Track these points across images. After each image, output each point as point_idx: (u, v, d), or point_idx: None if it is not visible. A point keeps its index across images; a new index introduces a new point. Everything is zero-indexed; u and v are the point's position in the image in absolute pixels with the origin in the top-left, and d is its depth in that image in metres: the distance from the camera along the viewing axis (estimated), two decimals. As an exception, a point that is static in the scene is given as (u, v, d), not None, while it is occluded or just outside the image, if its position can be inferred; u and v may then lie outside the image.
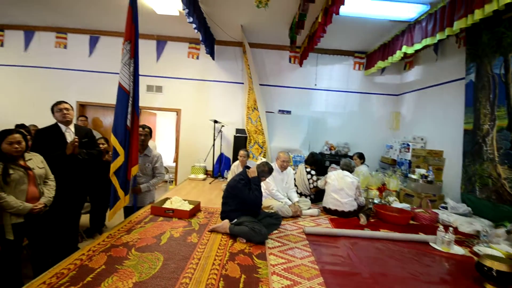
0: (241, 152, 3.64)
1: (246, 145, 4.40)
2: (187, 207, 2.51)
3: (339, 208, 2.80)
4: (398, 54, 3.70)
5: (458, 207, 2.95)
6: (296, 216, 2.74)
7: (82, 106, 4.93)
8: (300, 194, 3.30)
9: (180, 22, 3.95)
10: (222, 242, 1.94)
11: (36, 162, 1.94)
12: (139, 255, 1.64)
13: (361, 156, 3.95)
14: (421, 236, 2.32)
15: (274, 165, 2.91)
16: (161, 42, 4.80)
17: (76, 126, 2.48)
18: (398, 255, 1.96)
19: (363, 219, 2.62)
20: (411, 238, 2.28)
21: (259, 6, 2.86)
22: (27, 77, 4.82)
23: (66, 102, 2.33)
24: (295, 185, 3.28)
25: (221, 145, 4.74)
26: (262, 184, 2.51)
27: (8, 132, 1.79)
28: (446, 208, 3.07)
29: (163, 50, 4.84)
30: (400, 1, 2.99)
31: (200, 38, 3.78)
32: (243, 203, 2.17)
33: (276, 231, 2.26)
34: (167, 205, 2.53)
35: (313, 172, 3.32)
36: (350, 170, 2.99)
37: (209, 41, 4.25)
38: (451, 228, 2.19)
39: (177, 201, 2.57)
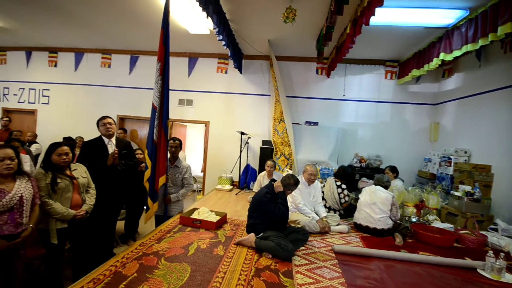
0: (268, 162, 3.63)
1: (272, 156, 4.39)
2: (214, 218, 2.55)
3: (371, 225, 2.63)
4: (435, 62, 3.47)
5: (510, 229, 2.61)
6: (324, 232, 2.63)
7: (122, 119, 5.35)
8: (329, 209, 3.18)
9: (210, 39, 4.18)
10: (248, 256, 1.92)
11: (80, 172, 2.13)
12: (168, 265, 1.69)
13: (393, 170, 3.69)
14: (467, 262, 2.08)
15: (301, 178, 2.85)
16: (192, 58, 5.09)
17: (117, 138, 2.69)
18: (441, 282, 1.76)
19: (399, 239, 2.43)
20: (456, 263, 2.05)
21: (286, 22, 2.91)
22: (76, 93, 5.39)
23: (109, 117, 2.55)
24: (323, 199, 3.18)
25: (247, 156, 4.79)
26: (288, 197, 2.47)
27: (57, 144, 2.00)
28: (496, 230, 2.72)
29: (194, 66, 5.11)
30: (436, 7, 2.84)
31: (229, 54, 3.94)
32: (269, 217, 2.15)
33: (303, 248, 2.19)
34: (195, 215, 2.60)
35: (344, 186, 3.19)
36: (385, 185, 2.81)
37: (237, 56, 4.40)
38: (502, 254, 1.93)
39: (204, 212, 2.62)
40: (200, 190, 5.72)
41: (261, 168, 4.44)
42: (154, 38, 4.36)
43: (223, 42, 3.42)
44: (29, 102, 5.55)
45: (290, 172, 4.11)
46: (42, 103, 5.51)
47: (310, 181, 2.82)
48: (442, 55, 3.29)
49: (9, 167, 1.68)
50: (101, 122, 2.53)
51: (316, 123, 4.77)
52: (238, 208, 3.36)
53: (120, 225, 3.43)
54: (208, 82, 5.11)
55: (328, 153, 4.46)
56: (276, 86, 4.41)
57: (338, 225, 2.80)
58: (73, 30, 4.39)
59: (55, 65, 5.44)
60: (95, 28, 4.20)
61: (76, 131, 5.10)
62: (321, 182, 3.86)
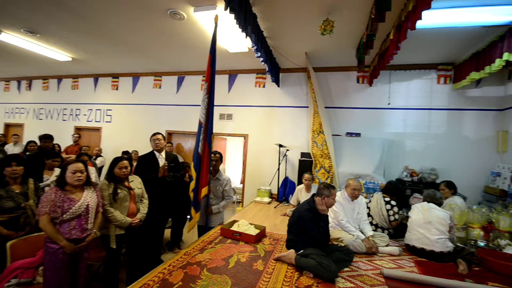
0: (306, 175, 3.55)
1: (311, 169, 4.29)
2: (253, 231, 2.56)
3: (428, 247, 2.34)
4: (498, 63, 3.06)
5: None
6: (371, 253, 2.43)
7: (170, 134, 5.83)
8: (376, 227, 2.94)
9: (248, 56, 4.37)
10: (288, 273, 1.87)
11: (136, 183, 2.38)
12: (210, 276, 1.75)
13: (450, 185, 3.23)
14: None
15: (343, 193, 2.72)
16: (232, 75, 5.36)
17: (166, 152, 2.95)
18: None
19: (463, 267, 2.11)
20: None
21: (324, 34, 2.90)
22: (133, 112, 6.08)
23: (159, 133, 2.83)
24: (369, 216, 2.96)
25: (286, 169, 4.76)
26: (330, 213, 2.36)
27: (119, 159, 2.28)
28: None
29: (233, 82, 5.37)
30: (495, 4, 2.54)
31: (267, 69, 4.05)
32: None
33: (347, 269, 2.05)
34: (234, 227, 2.65)
35: (393, 202, 2.93)
36: (437, 202, 2.51)
37: (274, 70, 4.50)
38: None
39: (244, 225, 2.66)
40: (239, 202, 5.82)
41: (300, 181, 4.35)
42: (198, 59, 4.78)
43: (261, 59, 3.54)
44: (95, 121, 6.44)
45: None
46: (106, 122, 6.34)
47: (354, 196, 2.66)
48: (506, 55, 2.89)
49: (80, 179, 1.96)
50: (152, 138, 2.81)
51: (358, 134, 4.54)
52: (277, 222, 3.33)
53: (167, 233, 3.67)
54: (246, 97, 5.30)
55: (372, 166, 4.17)
56: (314, 98, 4.36)
57: (387, 246, 2.56)
58: (131, 58, 5.03)
59: (117, 88, 6.26)
60: (149, 54, 4.74)
61: (132, 145, 5.72)
62: (366, 197, 3.62)
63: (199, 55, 4.57)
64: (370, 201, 3.21)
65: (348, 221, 2.61)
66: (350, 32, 3.39)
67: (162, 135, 2.92)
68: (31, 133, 6.91)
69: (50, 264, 1.86)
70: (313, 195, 2.26)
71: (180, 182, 3.35)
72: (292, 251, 2.08)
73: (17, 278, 2.01)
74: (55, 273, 1.86)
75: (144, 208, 2.38)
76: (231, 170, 7.69)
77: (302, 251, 2.01)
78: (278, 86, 5.01)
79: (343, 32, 3.31)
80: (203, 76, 5.56)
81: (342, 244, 2.40)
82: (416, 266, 2.20)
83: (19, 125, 7.30)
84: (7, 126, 7.50)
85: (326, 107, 4.56)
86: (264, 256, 2.15)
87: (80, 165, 1.96)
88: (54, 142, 4.48)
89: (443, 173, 4.03)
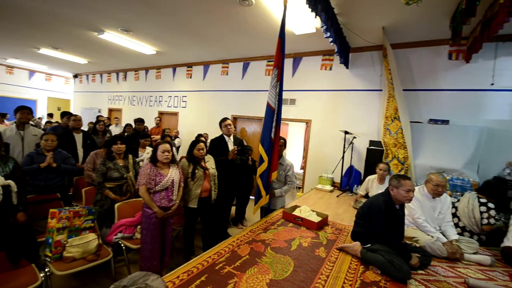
0: (381, 165, 3.27)
1: (382, 159, 3.91)
2: (315, 218, 2.56)
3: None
4: None
5: None
6: (453, 259, 2.13)
7: (235, 119, 6.18)
8: (462, 230, 2.53)
9: (315, 38, 4.15)
10: (352, 265, 1.82)
11: (211, 164, 2.65)
12: (274, 254, 1.86)
13: None
14: None
15: (422, 189, 2.41)
16: (296, 58, 5.21)
17: (234, 136, 3.16)
18: None
19: None
20: None
21: (410, 3, 2.49)
22: (204, 98, 6.65)
23: (228, 119, 3.03)
24: (455, 217, 2.56)
25: (351, 157, 4.47)
26: (405, 211, 2.14)
27: (197, 141, 2.57)
28: None
29: (298, 66, 5.22)
30: None
31: (335, 50, 3.78)
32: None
33: (422, 272, 1.86)
34: (296, 212, 2.70)
35: (491, 205, 2.45)
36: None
37: (344, 51, 4.15)
38: None
39: (305, 211, 2.68)
40: (299, 188, 5.83)
41: (368, 171, 4.04)
42: (262, 44, 4.81)
43: (330, 39, 3.31)
44: (174, 106, 7.32)
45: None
46: (182, 107, 7.13)
47: (436, 194, 2.33)
48: None
49: (167, 158, 2.30)
50: (223, 123, 3.03)
51: (445, 121, 3.85)
52: (340, 211, 3.22)
53: (232, 210, 4.00)
54: (311, 81, 5.10)
55: (463, 160, 3.52)
56: (390, 79, 3.86)
57: (475, 253, 2.19)
58: (203, 48, 5.42)
59: (191, 77, 6.90)
60: (218, 43, 5.02)
61: (203, 128, 6.32)
62: (450, 195, 3.13)
63: (264, 40, 4.59)
64: (458, 200, 2.77)
65: (426, 220, 2.32)
66: (443, -2, 2.81)
67: (230, 120, 3.13)
68: (127, 117, 8.38)
69: (146, 225, 2.30)
70: (387, 189, 2.08)
71: (244, 165, 3.56)
72: (357, 243, 2.00)
73: (122, 233, 2.55)
74: (149, 232, 2.28)
75: (216, 190, 2.66)
76: (291, 156, 7.71)
77: (369, 245, 1.91)
78: (347, 67, 4.62)
79: (433, -1, 2.78)
80: (267, 61, 5.59)
81: (417, 245, 2.17)
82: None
83: (119, 110, 8.92)
84: (110, 110, 9.26)
85: (404, 90, 4.00)
86: (327, 244, 2.14)
87: (167, 146, 2.29)
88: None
89: None
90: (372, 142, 4.21)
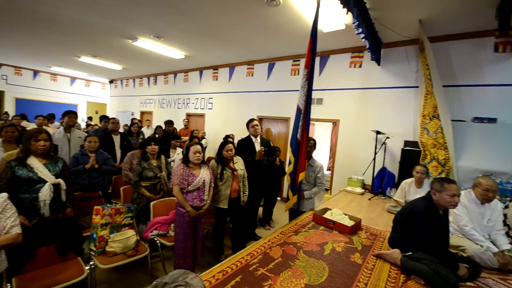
0: (418, 168, 3.06)
1: (419, 161, 3.66)
2: (348, 222, 2.46)
3: None
4: None
5: None
6: (505, 270, 1.92)
7: (260, 119, 6.19)
8: (516, 240, 2.28)
9: (344, 35, 4.02)
10: (392, 274, 1.72)
11: (239, 165, 2.67)
12: (307, 258, 1.82)
13: None
14: None
15: (469, 194, 2.21)
16: (324, 57, 5.08)
17: (261, 137, 3.16)
18: None
19: None
20: None
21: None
22: (230, 100, 6.75)
23: (255, 120, 3.04)
24: (506, 225, 2.32)
25: (384, 158, 4.25)
26: (450, 217, 1.98)
27: (226, 143, 2.61)
28: None
29: (325, 64, 5.08)
30: None
31: (367, 46, 3.62)
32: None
33: (471, 284, 1.70)
34: (327, 215, 2.62)
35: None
36: None
37: (375, 47, 3.96)
38: None
39: (337, 214, 2.59)
40: (327, 189, 5.68)
41: (402, 173, 3.82)
42: (288, 43, 4.76)
43: (362, 35, 3.17)
44: (200, 108, 7.53)
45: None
46: (208, 109, 7.31)
47: (486, 199, 2.12)
48: None
49: (199, 158, 2.36)
50: (250, 124, 3.04)
51: (493, 120, 3.51)
52: (373, 215, 3.07)
53: (259, 210, 4.00)
54: (339, 79, 4.94)
55: (514, 162, 3.18)
56: (428, 75, 3.60)
57: (532, 266, 1.96)
58: (229, 50, 5.50)
59: (216, 79, 7.05)
60: (244, 44, 5.06)
61: (228, 129, 6.42)
62: (500, 200, 2.84)
63: (290, 40, 4.55)
64: (506, 207, 2.51)
65: (474, 228, 2.12)
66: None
67: (257, 121, 3.13)
68: (157, 119, 8.79)
69: (179, 223, 2.38)
70: (429, 192, 1.93)
71: (271, 166, 3.55)
72: (396, 250, 1.89)
73: (157, 230, 2.67)
74: (183, 231, 2.36)
75: (246, 188, 2.67)
76: (317, 156, 7.52)
77: (410, 253, 1.79)
78: (379, 64, 4.41)
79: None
80: (293, 61, 5.52)
81: (464, 255, 1.99)
82: None
83: (149, 112, 9.39)
84: (142, 113, 9.78)
85: (444, 86, 3.72)
86: (362, 250, 2.05)
87: (199, 147, 2.36)
88: (173, 126, 5.54)
89: None
90: (407, 143, 3.96)
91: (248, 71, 6.30)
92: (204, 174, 2.39)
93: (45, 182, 2.05)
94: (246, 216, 3.19)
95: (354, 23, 2.86)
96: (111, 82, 11.38)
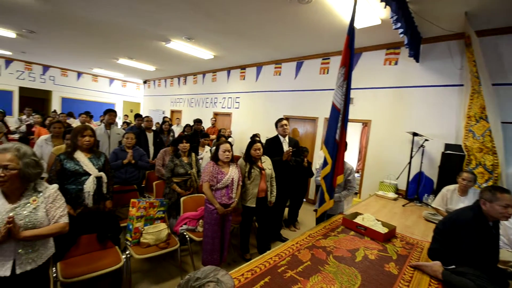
0: (465, 175, 2.80)
1: (462, 166, 3.36)
2: (381, 229, 2.33)
3: None
4: None
5: None
6: None
7: (287, 119, 6.11)
8: None
9: (378, 30, 3.82)
10: (432, 287, 1.59)
11: (267, 164, 2.66)
12: (337, 264, 1.75)
13: None
14: None
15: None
16: (355, 54, 4.86)
17: (289, 137, 3.12)
18: None
19: None
20: None
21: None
22: (256, 99, 6.77)
23: (284, 119, 3.00)
24: None
25: (421, 162, 3.95)
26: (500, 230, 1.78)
27: (254, 141, 2.61)
28: None
29: (357, 62, 4.87)
30: None
31: (405, 42, 3.39)
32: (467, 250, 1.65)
33: (527, 306, 1.51)
34: (358, 220, 2.50)
35: None
36: None
37: (414, 43, 3.70)
38: None
39: (369, 219, 2.47)
40: (356, 193, 5.45)
41: (442, 179, 3.54)
42: (317, 41, 4.65)
43: (401, 30, 2.98)
44: (227, 107, 7.66)
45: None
46: (235, 108, 7.41)
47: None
48: None
49: (228, 157, 2.39)
50: (279, 123, 3.01)
51: (553, 122, 3.10)
52: (409, 223, 2.87)
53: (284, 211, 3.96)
54: (372, 77, 4.71)
55: None
56: (475, 72, 3.29)
57: None
58: (257, 49, 5.52)
59: (244, 78, 7.12)
60: (272, 44, 5.04)
61: (255, 128, 6.45)
62: None
63: (320, 37, 4.43)
64: None
65: (531, 243, 1.89)
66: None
67: (286, 120, 3.09)
68: (186, 117, 9.11)
69: (208, 220, 2.43)
70: (476, 201, 1.76)
71: (299, 166, 3.48)
72: (437, 263, 1.74)
73: (187, 225, 2.75)
74: (211, 227, 2.41)
75: (274, 188, 2.66)
76: (346, 158, 7.26)
77: (453, 266, 1.64)
78: (417, 61, 4.11)
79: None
80: (322, 59, 5.37)
81: (518, 272, 1.78)
82: None
83: (179, 111, 9.77)
84: (172, 112, 10.21)
85: (494, 84, 3.36)
86: (397, 259, 1.92)
87: (228, 146, 2.39)
88: (201, 125, 5.69)
89: None
90: (448, 146, 3.66)
91: (276, 70, 6.27)
92: (232, 172, 2.42)
93: (89, 175, 2.22)
94: (272, 216, 3.18)
95: (392, 17, 2.69)
96: (144, 82, 12.03)
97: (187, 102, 9.40)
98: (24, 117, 6.88)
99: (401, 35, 3.15)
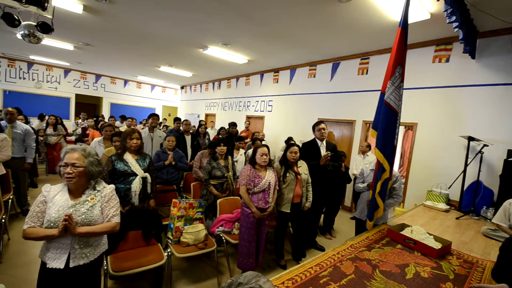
0: None
1: (532, 176, 2.90)
2: (434, 243, 2.10)
3: None
4: None
5: None
6: None
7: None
8: None
9: (427, 25, 3.52)
10: (503, 316, 1.38)
11: (303, 169, 2.59)
12: (385, 280, 1.61)
13: None
14: None
15: None
16: (399, 53, 4.54)
17: (326, 141, 3.01)
18: None
19: None
20: None
21: None
22: (290, 102, 6.70)
23: (323, 122, 2.90)
24: None
25: (479, 170, 3.51)
26: None
27: (291, 144, 2.57)
28: None
29: (400, 61, 4.54)
30: None
31: (460, 37, 3.06)
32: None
33: None
34: (406, 233, 2.29)
35: None
36: None
37: (470, 37, 3.33)
38: None
39: (419, 232, 2.24)
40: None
41: (505, 190, 3.11)
42: (356, 41, 4.45)
43: (455, 24, 2.70)
44: (260, 111, 7.71)
45: None
46: (268, 111, 7.42)
47: None
48: None
49: (265, 161, 2.38)
50: (317, 127, 2.92)
51: None
52: (466, 238, 2.56)
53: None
54: (418, 76, 4.34)
55: None
56: (549, 68, 2.84)
57: None
58: (291, 52, 5.46)
59: (277, 82, 7.10)
60: (307, 45, 4.95)
61: (287, 131, 6.37)
62: None
63: (359, 37, 4.23)
64: None
65: None
66: None
67: (325, 124, 2.98)
68: (220, 121, 9.38)
69: (244, 223, 2.44)
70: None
71: (336, 172, 3.33)
72: (504, 285, 1.50)
73: (223, 227, 2.79)
74: (247, 231, 2.41)
75: (310, 197, 2.58)
76: (385, 163, 6.79)
77: (529, 293, 1.40)
78: (473, 57, 3.69)
79: None
80: (361, 59, 5.11)
81: None
82: None
83: (213, 115, 10.10)
84: (206, 115, 10.59)
85: None
86: (455, 279, 1.71)
87: (265, 150, 2.38)
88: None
89: None
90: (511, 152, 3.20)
91: (310, 72, 6.14)
92: (269, 177, 2.40)
93: (136, 175, 2.38)
94: (308, 222, 3.08)
95: (445, 10, 2.45)
96: (182, 87, 12.70)
97: (220, 106, 9.67)
98: (79, 121, 7.72)
99: (456, 29, 2.85)
